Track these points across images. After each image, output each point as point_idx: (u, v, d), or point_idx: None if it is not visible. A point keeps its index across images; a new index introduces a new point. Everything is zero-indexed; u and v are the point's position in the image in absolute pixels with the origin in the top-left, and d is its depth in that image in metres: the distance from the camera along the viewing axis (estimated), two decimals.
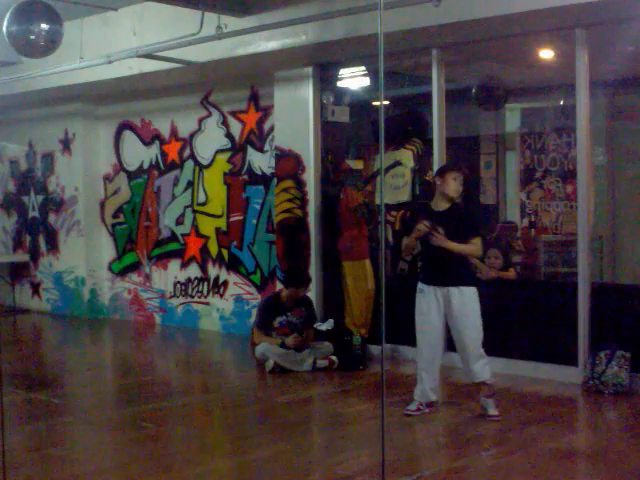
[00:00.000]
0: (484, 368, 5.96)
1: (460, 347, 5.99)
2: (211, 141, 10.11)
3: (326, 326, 8.33)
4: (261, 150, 9.58)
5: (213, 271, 10.17)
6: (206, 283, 10.26)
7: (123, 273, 11.28)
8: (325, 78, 8.84)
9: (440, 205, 6.02)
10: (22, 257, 12.39)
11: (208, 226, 10.21)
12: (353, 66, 8.75)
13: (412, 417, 5.96)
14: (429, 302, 5.96)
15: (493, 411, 5.93)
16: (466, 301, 5.90)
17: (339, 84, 8.97)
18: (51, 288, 12.04)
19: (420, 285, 6.05)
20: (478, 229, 6.14)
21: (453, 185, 5.96)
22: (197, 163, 10.32)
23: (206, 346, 9.67)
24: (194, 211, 10.37)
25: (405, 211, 8.20)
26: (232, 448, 5.57)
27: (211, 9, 7.93)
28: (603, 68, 7.57)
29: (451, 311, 5.92)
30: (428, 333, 6.00)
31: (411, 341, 8.09)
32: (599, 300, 7.01)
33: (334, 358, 7.73)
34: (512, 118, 9.53)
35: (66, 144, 11.66)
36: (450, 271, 5.91)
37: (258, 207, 9.64)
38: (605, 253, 8.75)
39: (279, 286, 8.86)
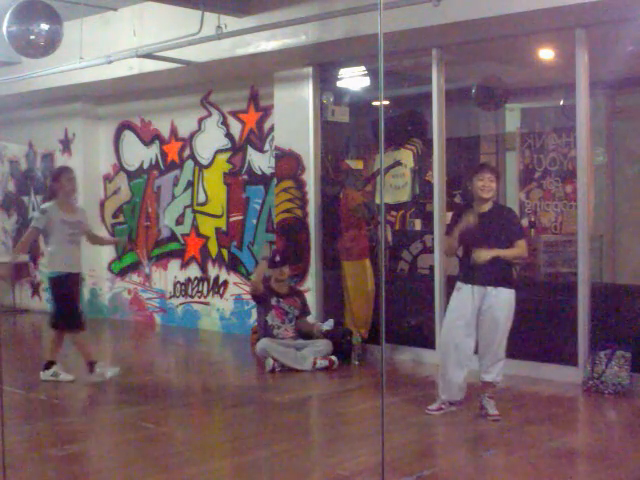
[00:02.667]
0: (500, 370, 5.99)
1: (484, 345, 5.97)
2: (211, 141, 10.11)
3: (326, 326, 8.33)
4: (261, 150, 9.59)
5: (213, 271, 10.18)
6: (206, 283, 10.26)
7: (123, 273, 11.28)
8: (325, 78, 8.84)
9: (481, 207, 5.99)
10: (22, 257, 12.38)
11: (208, 226, 10.21)
12: (353, 66, 8.74)
13: (431, 416, 5.98)
14: (464, 300, 5.93)
15: (493, 411, 5.94)
16: (502, 302, 5.88)
17: (339, 84, 8.97)
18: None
19: (458, 284, 6.03)
20: (522, 231, 6.16)
21: (480, 185, 5.94)
22: (197, 163, 10.32)
23: (206, 346, 9.67)
24: (194, 211, 10.38)
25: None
26: (232, 448, 5.56)
27: (211, 9, 7.93)
28: (603, 68, 7.57)
29: (485, 309, 5.89)
30: (458, 330, 5.94)
31: (410, 341, 8.15)
32: (599, 300, 7.01)
33: (334, 358, 7.74)
34: (512, 118, 9.53)
35: (66, 144, 11.66)
36: (491, 271, 5.88)
37: (258, 207, 9.64)
38: (605, 253, 8.75)
39: None
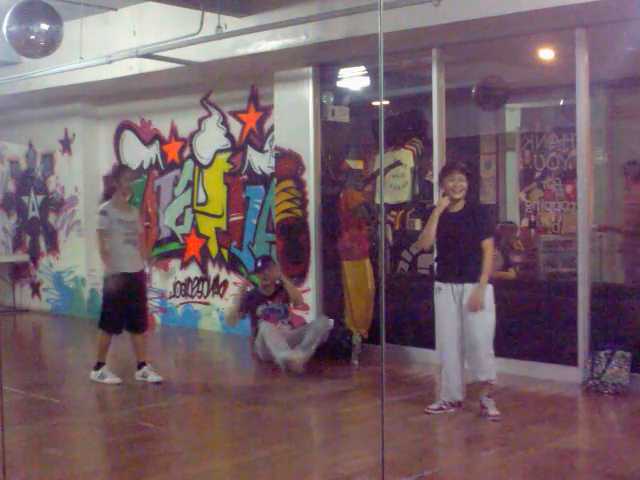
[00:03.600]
0: (492, 367, 5.98)
1: (470, 344, 5.97)
2: (211, 141, 10.11)
3: None
4: (261, 150, 9.58)
5: (213, 271, 10.17)
6: (206, 283, 10.26)
7: None
8: (325, 78, 8.84)
9: (453, 207, 6.01)
10: (22, 257, 12.39)
11: (208, 226, 10.21)
12: (353, 66, 8.74)
13: (431, 416, 6.01)
14: (447, 300, 5.98)
15: (493, 411, 5.94)
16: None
17: (339, 84, 8.97)
18: (51, 288, 12.04)
19: (437, 284, 6.07)
20: (490, 230, 6.14)
21: (450, 186, 5.96)
22: (197, 163, 10.32)
23: (206, 346, 9.67)
24: (194, 211, 10.37)
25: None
26: (232, 448, 5.56)
27: (211, 9, 7.92)
28: (603, 68, 7.56)
29: (464, 307, 5.92)
30: (449, 331, 6.01)
31: (411, 341, 8.14)
32: (599, 300, 7.01)
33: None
34: (512, 118, 9.53)
35: (66, 144, 11.66)
36: (466, 268, 5.91)
37: (258, 207, 9.64)
38: (605, 253, 8.74)
39: None
